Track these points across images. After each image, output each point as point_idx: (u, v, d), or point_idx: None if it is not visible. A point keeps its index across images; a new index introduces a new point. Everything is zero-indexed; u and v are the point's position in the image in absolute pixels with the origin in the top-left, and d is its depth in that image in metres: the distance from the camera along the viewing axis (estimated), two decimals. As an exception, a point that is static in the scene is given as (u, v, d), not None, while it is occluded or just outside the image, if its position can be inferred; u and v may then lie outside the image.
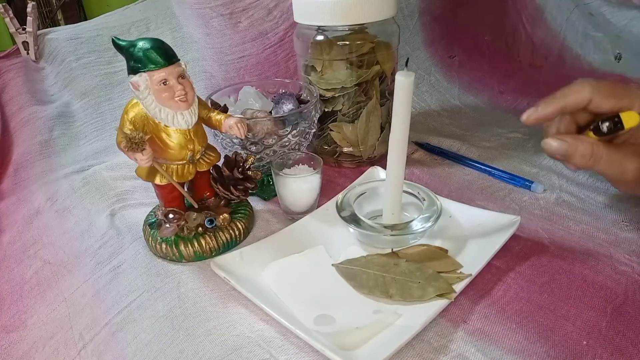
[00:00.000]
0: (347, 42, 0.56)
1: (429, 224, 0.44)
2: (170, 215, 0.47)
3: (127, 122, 0.42)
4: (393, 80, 0.41)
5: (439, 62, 0.89)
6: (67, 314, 0.42)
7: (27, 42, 0.86)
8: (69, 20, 1.28)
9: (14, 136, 0.77)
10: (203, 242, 0.46)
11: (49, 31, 0.89)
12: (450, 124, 0.75)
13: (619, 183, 0.41)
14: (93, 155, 0.72)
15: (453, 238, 0.45)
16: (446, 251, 0.43)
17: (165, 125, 0.43)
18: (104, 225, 0.54)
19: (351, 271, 0.42)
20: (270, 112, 0.57)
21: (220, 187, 0.50)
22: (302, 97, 0.59)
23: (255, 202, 0.55)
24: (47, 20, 1.27)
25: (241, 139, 0.51)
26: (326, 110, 0.60)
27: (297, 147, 0.55)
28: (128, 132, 0.40)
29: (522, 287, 0.40)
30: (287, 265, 0.44)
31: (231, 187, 0.50)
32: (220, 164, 0.50)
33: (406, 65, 0.40)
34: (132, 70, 0.41)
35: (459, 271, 0.40)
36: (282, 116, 0.53)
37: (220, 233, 0.47)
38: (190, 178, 0.46)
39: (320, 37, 0.57)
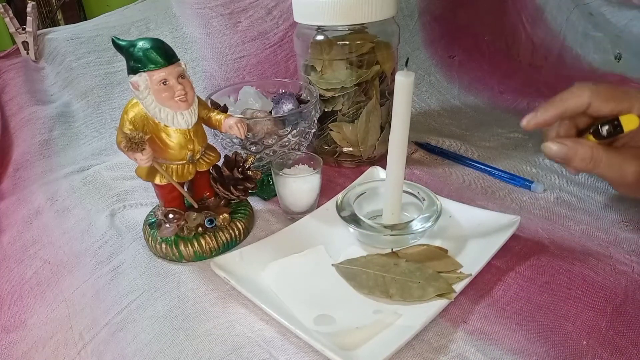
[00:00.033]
0: (347, 42, 0.56)
1: (429, 224, 0.44)
2: (170, 215, 0.47)
3: (127, 122, 0.42)
4: (393, 80, 0.41)
5: (439, 62, 0.89)
6: (67, 314, 0.42)
7: (27, 42, 0.86)
8: (68, 20, 1.28)
9: (14, 136, 0.77)
10: (203, 242, 0.46)
11: (49, 31, 0.89)
12: (450, 124, 0.75)
13: (619, 186, 0.41)
14: (93, 155, 0.72)
15: (453, 238, 0.45)
16: (446, 251, 0.43)
17: (165, 125, 0.43)
18: (104, 225, 0.54)
19: (351, 271, 0.42)
20: (270, 112, 0.57)
21: (220, 187, 0.50)
22: (302, 97, 0.59)
23: (255, 202, 0.55)
24: (47, 20, 1.27)
25: (241, 139, 0.51)
26: (326, 110, 0.60)
27: (297, 147, 0.55)
28: (128, 132, 0.40)
29: (522, 287, 0.40)
30: (287, 265, 0.44)
31: (231, 187, 0.50)
32: (220, 164, 0.50)
33: (406, 65, 0.40)
34: (132, 70, 0.41)
35: (459, 271, 0.40)
36: (282, 116, 0.53)
37: (220, 233, 0.47)
38: (190, 178, 0.46)
39: (320, 37, 0.57)
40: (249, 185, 0.50)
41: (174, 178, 0.45)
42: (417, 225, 0.44)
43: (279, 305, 0.39)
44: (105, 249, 0.50)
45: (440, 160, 0.64)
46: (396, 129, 0.42)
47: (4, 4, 0.85)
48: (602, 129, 0.39)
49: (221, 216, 0.48)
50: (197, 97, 0.45)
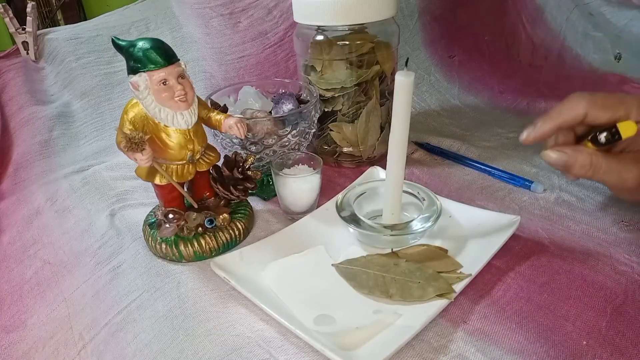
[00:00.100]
0: (347, 42, 0.56)
1: (429, 224, 0.44)
2: (170, 215, 0.47)
3: (126, 122, 0.42)
4: (393, 80, 0.41)
5: (439, 62, 0.89)
6: (67, 314, 0.42)
7: (27, 42, 0.86)
8: (68, 20, 1.28)
9: (13, 136, 0.77)
10: (203, 242, 0.46)
11: (49, 31, 0.89)
12: (450, 124, 0.75)
13: (620, 191, 0.42)
14: (93, 155, 0.72)
15: (453, 238, 0.45)
16: (446, 251, 0.43)
17: (165, 125, 0.43)
18: (103, 225, 0.54)
19: (351, 271, 0.42)
20: (270, 112, 0.57)
21: (220, 187, 0.50)
22: (302, 97, 0.59)
23: (255, 202, 0.55)
24: (47, 20, 1.27)
25: (241, 139, 0.51)
26: (326, 110, 0.60)
27: (297, 147, 0.55)
28: (128, 132, 0.40)
29: (522, 287, 0.40)
30: (287, 265, 0.44)
31: (231, 187, 0.50)
32: (220, 164, 0.50)
33: (406, 65, 0.40)
34: (132, 70, 0.41)
35: (458, 271, 0.40)
36: (282, 116, 0.53)
37: (220, 233, 0.47)
38: (190, 178, 0.46)
39: (320, 37, 0.57)
40: (249, 185, 0.50)
41: (174, 178, 0.45)
42: (417, 225, 0.44)
43: (279, 305, 0.39)
44: (105, 249, 0.50)
45: (440, 160, 0.64)
46: (396, 129, 0.42)
47: (4, 4, 0.85)
48: (601, 137, 0.39)
49: (221, 216, 0.48)
50: (197, 97, 0.45)
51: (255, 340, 0.37)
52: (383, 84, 0.59)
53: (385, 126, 0.62)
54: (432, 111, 0.80)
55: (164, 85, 0.41)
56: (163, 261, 0.47)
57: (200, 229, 0.47)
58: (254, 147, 0.53)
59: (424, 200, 0.47)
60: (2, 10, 0.83)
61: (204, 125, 0.47)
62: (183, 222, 0.46)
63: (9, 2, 1.10)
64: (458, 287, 0.38)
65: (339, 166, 0.63)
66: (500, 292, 0.40)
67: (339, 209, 0.47)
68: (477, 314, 0.38)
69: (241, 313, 0.40)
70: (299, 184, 0.50)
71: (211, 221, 0.47)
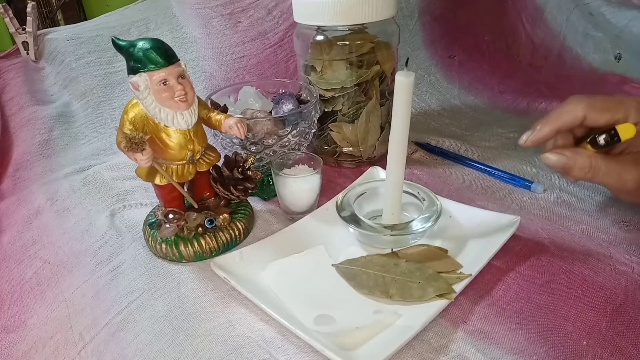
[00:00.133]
0: (347, 42, 0.56)
1: (429, 224, 0.44)
2: (170, 216, 0.47)
3: (127, 122, 0.42)
4: (393, 80, 0.41)
5: (439, 62, 0.89)
6: (67, 314, 0.42)
7: (27, 42, 0.86)
8: (68, 20, 1.28)
9: (14, 136, 0.77)
10: (203, 242, 0.46)
11: (49, 31, 0.89)
12: (450, 124, 0.75)
13: (619, 192, 0.42)
14: (93, 155, 0.72)
15: (453, 238, 0.45)
16: (446, 251, 0.43)
17: (165, 125, 0.43)
18: (104, 226, 0.54)
19: (351, 271, 0.42)
20: (270, 112, 0.57)
21: (220, 187, 0.50)
22: (302, 97, 0.59)
23: (255, 202, 0.55)
24: (47, 20, 1.27)
25: (241, 139, 0.51)
26: (326, 110, 0.60)
27: (297, 147, 0.55)
28: (128, 132, 0.40)
29: (522, 287, 0.40)
30: (287, 265, 0.44)
31: (231, 187, 0.50)
32: (220, 164, 0.50)
33: (406, 65, 0.40)
34: (132, 70, 0.41)
35: (459, 271, 0.40)
36: (282, 116, 0.53)
37: (220, 233, 0.47)
38: (190, 178, 0.46)
39: (320, 37, 0.57)
40: (249, 185, 0.50)
41: (174, 178, 0.45)
42: (417, 226, 0.44)
43: (279, 305, 0.39)
44: (105, 249, 0.50)
45: (440, 160, 0.64)
46: (396, 129, 0.42)
47: (4, 4, 0.85)
48: (600, 139, 0.39)
49: (221, 216, 0.48)
50: (197, 97, 0.45)
51: (255, 340, 0.37)
52: (383, 84, 0.59)
53: (385, 126, 0.62)
54: (432, 111, 0.80)
55: (164, 85, 0.41)
56: (163, 261, 0.47)
57: (200, 229, 0.47)
58: (254, 147, 0.53)
59: (424, 200, 0.47)
60: (2, 10, 0.83)
61: (204, 126, 0.47)
62: (183, 222, 0.46)
63: (9, 2, 1.10)
64: (458, 287, 0.38)
65: (339, 166, 0.63)
66: (500, 292, 0.40)
67: (339, 209, 0.47)
68: (477, 314, 0.38)
69: (241, 313, 0.40)
70: (299, 184, 0.50)
71: (211, 221, 0.47)
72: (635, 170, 0.39)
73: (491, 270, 0.42)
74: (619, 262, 0.42)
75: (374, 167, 0.57)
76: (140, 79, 0.40)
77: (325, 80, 0.58)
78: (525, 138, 0.42)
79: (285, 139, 0.53)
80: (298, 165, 0.53)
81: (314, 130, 0.57)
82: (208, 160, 0.48)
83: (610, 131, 0.39)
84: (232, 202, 0.52)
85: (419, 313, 0.36)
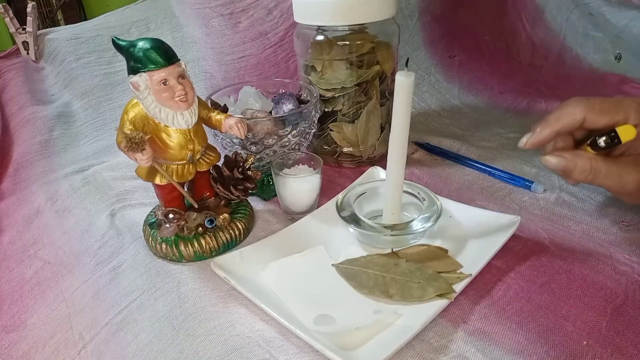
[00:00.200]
0: (347, 42, 0.56)
1: (429, 224, 0.44)
2: (170, 215, 0.47)
3: (127, 122, 0.42)
4: (393, 80, 0.41)
5: (439, 62, 0.89)
6: (67, 314, 0.42)
7: (27, 42, 0.86)
8: (69, 20, 1.28)
9: (14, 136, 0.77)
10: (203, 242, 0.46)
11: (49, 31, 0.89)
12: (450, 124, 0.75)
13: (620, 194, 0.42)
14: (93, 155, 0.72)
15: (453, 238, 0.45)
16: (446, 251, 0.43)
17: (165, 125, 0.43)
18: (104, 225, 0.54)
19: (351, 271, 0.42)
20: (270, 112, 0.57)
21: (220, 187, 0.50)
22: (302, 97, 0.59)
23: (255, 202, 0.55)
24: (47, 20, 1.27)
25: (241, 139, 0.51)
26: (326, 110, 0.60)
27: (297, 147, 0.55)
28: (128, 132, 0.40)
29: (522, 287, 0.40)
30: (287, 265, 0.44)
31: (231, 187, 0.50)
32: (220, 164, 0.50)
33: (406, 65, 0.40)
34: (132, 70, 0.41)
35: (459, 271, 0.40)
36: (282, 116, 0.53)
37: (220, 233, 0.47)
38: (190, 178, 0.46)
39: (320, 37, 0.57)
40: (249, 185, 0.50)
41: (174, 178, 0.45)
42: (417, 225, 0.44)
43: (279, 305, 0.39)
44: (106, 249, 0.50)
45: (440, 160, 0.64)
46: (396, 129, 0.42)
47: (4, 4, 0.85)
48: (600, 141, 0.39)
49: (221, 216, 0.48)
50: (197, 97, 0.45)
51: (255, 340, 0.37)
52: (383, 84, 0.59)
53: (385, 126, 0.62)
54: (432, 111, 0.80)
55: (164, 85, 0.41)
56: (163, 261, 0.47)
57: (200, 229, 0.47)
58: (254, 147, 0.53)
59: (424, 200, 0.47)
60: (2, 10, 0.83)
61: (204, 125, 0.47)
62: (183, 222, 0.46)
63: (9, 2, 1.10)
64: (458, 287, 0.38)
65: (339, 166, 0.63)
66: (500, 292, 0.40)
67: (339, 209, 0.47)
68: (477, 314, 0.38)
69: (241, 313, 0.40)
70: (299, 184, 0.50)
71: (211, 221, 0.47)
72: (636, 172, 0.39)
73: (491, 270, 0.42)
74: (619, 262, 0.42)
75: (374, 167, 0.57)
76: (141, 79, 0.40)
77: (325, 80, 0.58)
78: (525, 140, 0.42)
79: (285, 139, 0.53)
80: (298, 165, 0.53)
81: (314, 130, 0.57)
82: (208, 160, 0.48)
83: (611, 133, 0.39)
84: (232, 202, 0.52)
85: (419, 313, 0.36)
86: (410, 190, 0.49)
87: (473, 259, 0.41)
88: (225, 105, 0.57)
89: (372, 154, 0.62)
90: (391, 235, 0.44)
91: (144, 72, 0.40)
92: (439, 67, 0.89)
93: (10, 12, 0.84)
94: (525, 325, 0.37)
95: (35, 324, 0.41)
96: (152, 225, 0.49)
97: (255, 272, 0.42)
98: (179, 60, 0.42)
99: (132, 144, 0.39)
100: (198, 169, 0.47)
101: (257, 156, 0.53)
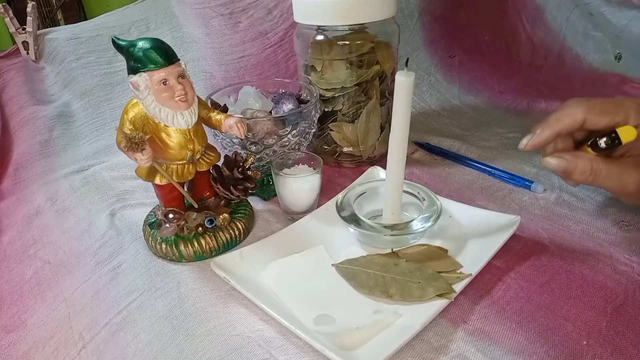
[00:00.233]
0: (347, 42, 0.56)
1: (429, 223, 0.44)
2: (170, 215, 0.47)
3: (127, 122, 0.42)
4: (393, 80, 0.41)
5: (439, 62, 0.89)
6: (67, 314, 0.42)
7: (27, 42, 0.86)
8: (69, 20, 1.28)
9: (14, 136, 0.77)
10: (203, 242, 0.46)
11: (49, 31, 0.89)
12: (450, 124, 0.75)
13: (621, 195, 0.42)
14: (93, 155, 0.72)
15: (453, 238, 0.45)
16: (446, 251, 0.43)
17: (165, 125, 0.43)
18: (104, 225, 0.54)
19: (351, 271, 0.42)
20: (270, 112, 0.57)
21: (220, 187, 0.50)
22: (302, 97, 0.59)
23: (255, 202, 0.55)
24: (47, 20, 1.27)
25: (241, 139, 0.51)
26: (326, 110, 0.60)
27: (297, 147, 0.55)
28: (128, 132, 0.40)
29: (522, 287, 0.40)
30: (287, 265, 0.44)
31: (231, 187, 0.50)
32: (220, 164, 0.50)
33: (406, 65, 0.40)
34: (132, 70, 0.41)
35: (459, 271, 0.40)
36: (282, 116, 0.53)
37: (220, 233, 0.47)
38: (190, 178, 0.46)
39: (320, 37, 0.57)
40: (249, 185, 0.50)
41: (174, 178, 0.45)
42: (417, 225, 0.44)
43: (279, 305, 0.39)
44: (105, 249, 0.50)
45: (440, 160, 0.64)
46: (396, 129, 0.42)
47: (4, 4, 0.84)
48: (600, 142, 0.39)
49: (221, 216, 0.48)
50: (197, 97, 0.45)
51: (255, 340, 0.37)
52: (383, 84, 0.59)
53: (385, 126, 0.62)
54: (432, 111, 0.80)
55: (164, 85, 0.41)
56: (163, 261, 0.47)
57: (200, 228, 0.47)
58: (254, 147, 0.53)
59: (424, 200, 0.47)
60: (2, 10, 0.83)
61: (204, 125, 0.47)
62: (183, 222, 0.46)
63: (9, 2, 1.10)
64: (458, 287, 0.38)
65: (339, 166, 0.63)
66: (500, 292, 0.40)
67: (339, 209, 0.47)
68: (477, 314, 0.38)
69: (241, 313, 0.40)
70: (299, 184, 0.50)
71: (211, 221, 0.47)
72: (637, 173, 0.39)
73: (491, 270, 0.42)
74: (619, 262, 0.42)
75: (374, 167, 0.57)
76: (140, 78, 0.40)
77: (325, 80, 0.58)
78: (525, 142, 0.42)
79: (285, 139, 0.53)
80: (298, 165, 0.53)
81: (314, 130, 0.57)
82: (208, 160, 0.48)
83: (611, 134, 0.39)
84: (232, 202, 0.52)
85: (419, 313, 0.36)
86: (410, 190, 0.49)
87: (473, 259, 0.41)
88: (225, 105, 0.57)
89: (372, 153, 0.62)
90: (391, 235, 0.44)
91: (144, 72, 0.40)
92: (439, 67, 0.89)
93: (10, 12, 0.84)
94: (525, 325, 0.37)
95: (35, 324, 0.41)
96: (152, 225, 0.49)
97: (255, 272, 0.42)
98: (179, 60, 0.42)
99: (132, 144, 0.39)
100: (198, 169, 0.47)
101: (257, 156, 0.53)
